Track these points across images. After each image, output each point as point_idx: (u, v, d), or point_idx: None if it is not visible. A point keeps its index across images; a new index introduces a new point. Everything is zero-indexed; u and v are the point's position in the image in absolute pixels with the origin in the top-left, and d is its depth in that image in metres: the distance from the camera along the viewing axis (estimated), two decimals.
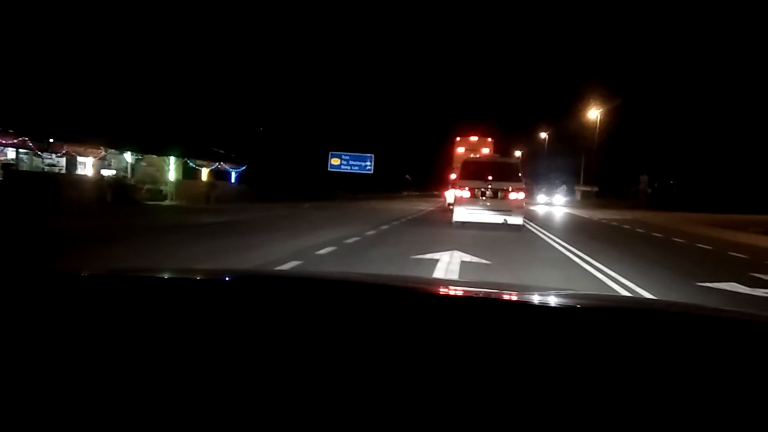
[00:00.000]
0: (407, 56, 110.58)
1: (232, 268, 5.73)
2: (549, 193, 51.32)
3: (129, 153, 24.76)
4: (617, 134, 55.36)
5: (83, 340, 0.87)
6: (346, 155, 45.10)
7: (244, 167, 29.65)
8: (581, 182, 67.54)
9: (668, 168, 52.36)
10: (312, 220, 15.97)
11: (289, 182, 33.21)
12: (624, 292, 5.99)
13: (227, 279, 1.47)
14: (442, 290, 1.55)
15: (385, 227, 13.55)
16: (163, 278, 1.43)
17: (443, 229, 14.23)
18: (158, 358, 0.82)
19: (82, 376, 0.78)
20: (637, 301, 2.90)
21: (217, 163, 27.60)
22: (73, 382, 0.77)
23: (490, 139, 26.81)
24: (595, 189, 60.10)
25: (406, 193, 62.68)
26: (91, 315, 0.96)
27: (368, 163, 45.10)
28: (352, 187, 46.19)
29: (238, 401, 0.73)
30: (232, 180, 29.73)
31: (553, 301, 1.32)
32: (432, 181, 62.45)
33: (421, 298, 1.23)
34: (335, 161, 44.87)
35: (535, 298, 1.37)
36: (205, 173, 27.66)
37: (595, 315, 1.11)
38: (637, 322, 1.07)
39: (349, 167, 45.11)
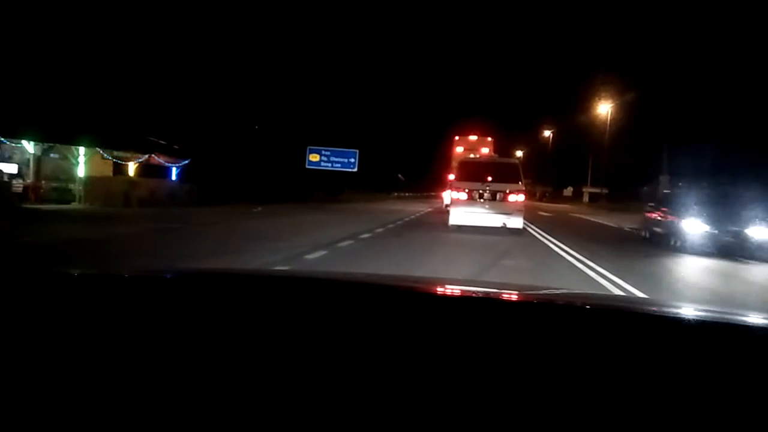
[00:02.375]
0: (401, 43, 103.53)
1: (231, 267, 4.90)
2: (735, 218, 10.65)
3: (31, 142, 19.15)
4: (627, 131, 50.10)
5: (78, 339, 0.87)
6: (326, 150, 39.34)
7: (186, 161, 23.72)
8: (588, 183, 63.11)
9: (677, 167, 46.56)
10: (223, 237, 10.48)
11: (252, 181, 27.75)
12: None
13: (226, 278, 1.45)
14: (440, 290, 1.51)
15: (319, 254, 8.01)
16: (162, 277, 1.39)
17: (420, 259, 8.74)
18: (155, 357, 0.82)
19: (79, 376, 0.78)
20: (635, 301, 2.88)
21: (145, 156, 21.76)
22: (70, 382, 0.77)
23: (489, 139, 25.31)
24: (605, 191, 55.38)
25: (396, 194, 56.78)
26: (88, 314, 0.95)
27: (352, 160, 39.34)
28: (335, 186, 40.46)
29: (235, 400, 0.72)
30: (173, 177, 23.85)
31: (551, 300, 1.37)
32: (428, 182, 57.15)
33: (419, 299, 1.23)
34: (314, 157, 39.12)
35: (534, 298, 1.39)
36: (131, 168, 21.82)
37: (593, 315, 1.12)
38: (635, 321, 1.07)
39: (330, 164, 39.34)
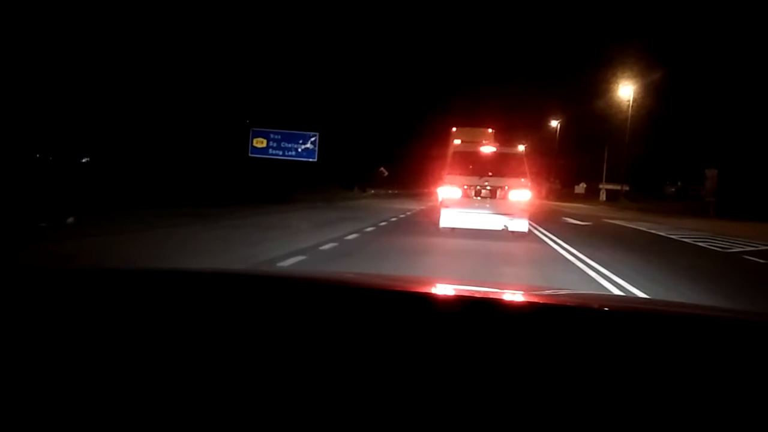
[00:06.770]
0: (385, 9, 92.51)
1: (228, 267, 4.71)
2: None
3: None
4: (651, 118, 41.62)
5: (76, 338, 0.87)
6: (275, 134, 30.02)
7: None
8: (604, 179, 54.46)
9: (691, 164, 38.08)
10: None
11: (144, 174, 18.70)
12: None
13: (225, 278, 1.46)
14: (436, 291, 1.50)
15: None
16: (162, 276, 1.39)
17: None
18: (153, 355, 0.83)
19: (77, 375, 0.78)
20: (634, 301, 2.87)
21: None
22: (68, 381, 0.77)
23: (491, 130, 22.93)
24: (625, 188, 46.68)
25: (374, 191, 47.62)
26: (86, 313, 0.95)
27: (310, 147, 30.05)
28: (287, 182, 31.03)
29: (232, 400, 0.73)
30: None
31: (550, 301, 1.38)
32: (419, 177, 47.97)
33: (418, 300, 1.22)
34: (259, 143, 29.90)
35: (533, 299, 1.39)
36: None
37: (592, 315, 1.11)
38: (634, 321, 1.07)
39: (280, 152, 29.99)
